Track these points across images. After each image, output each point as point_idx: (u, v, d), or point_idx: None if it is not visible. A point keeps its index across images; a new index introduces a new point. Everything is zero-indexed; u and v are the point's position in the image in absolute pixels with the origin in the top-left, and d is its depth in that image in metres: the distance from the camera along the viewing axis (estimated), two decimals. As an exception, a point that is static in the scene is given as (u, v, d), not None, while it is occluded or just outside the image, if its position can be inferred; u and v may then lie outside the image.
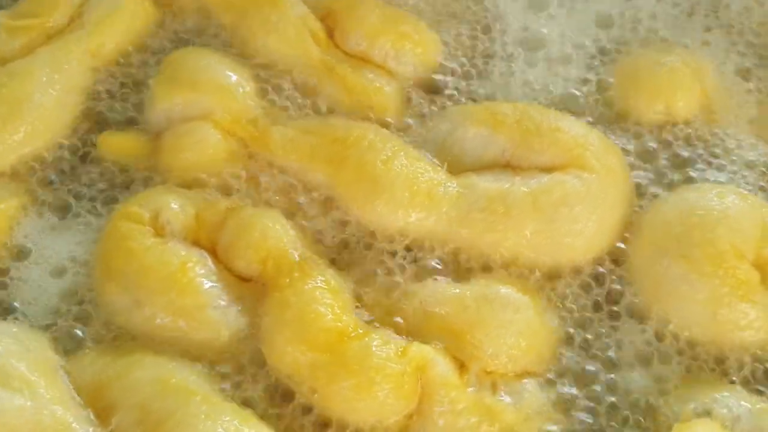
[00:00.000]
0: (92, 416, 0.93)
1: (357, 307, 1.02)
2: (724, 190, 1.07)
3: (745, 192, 1.08)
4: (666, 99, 1.17)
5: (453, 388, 0.94)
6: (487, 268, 1.05)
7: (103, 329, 1.02)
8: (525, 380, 0.98)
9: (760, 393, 0.99)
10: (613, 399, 0.99)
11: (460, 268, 1.05)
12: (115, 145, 1.15)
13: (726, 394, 0.96)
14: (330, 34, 1.22)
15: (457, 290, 1.01)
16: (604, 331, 1.03)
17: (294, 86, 1.19)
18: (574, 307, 1.05)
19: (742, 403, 0.95)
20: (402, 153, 1.07)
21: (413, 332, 1.00)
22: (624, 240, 1.07)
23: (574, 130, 1.09)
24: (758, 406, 0.95)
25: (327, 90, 1.18)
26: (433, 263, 1.06)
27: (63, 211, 1.12)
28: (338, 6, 1.23)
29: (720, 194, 1.05)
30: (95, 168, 1.14)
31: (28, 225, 1.10)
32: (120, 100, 1.19)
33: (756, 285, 1.00)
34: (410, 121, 1.17)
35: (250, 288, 1.02)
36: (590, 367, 1.01)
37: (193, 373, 0.96)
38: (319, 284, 1.00)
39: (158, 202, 1.05)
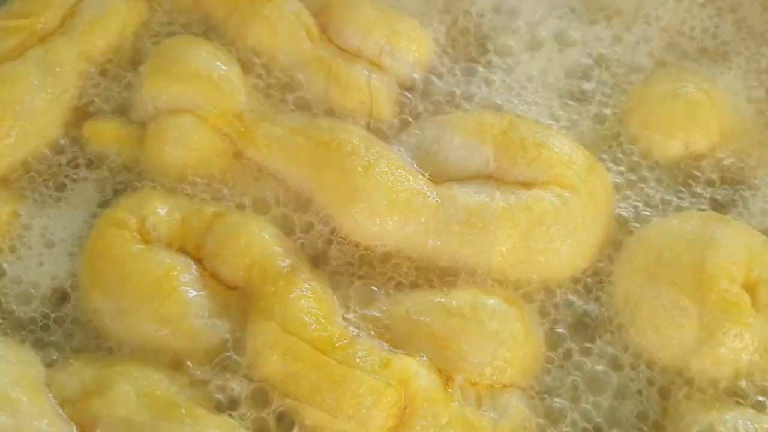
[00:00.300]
0: (76, 431, 0.93)
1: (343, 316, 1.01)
2: (707, 215, 1.06)
3: (729, 218, 1.06)
4: (684, 132, 1.14)
5: (436, 402, 0.93)
6: (470, 279, 1.03)
7: (89, 337, 1.02)
8: (509, 394, 0.97)
9: (763, 411, 0.97)
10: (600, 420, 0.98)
11: (441, 278, 1.04)
12: (102, 132, 1.14)
13: (730, 415, 0.95)
14: (323, 30, 1.20)
15: (443, 300, 1.00)
16: (593, 350, 1.02)
17: (285, 81, 1.18)
18: (560, 322, 1.03)
19: (748, 423, 0.94)
20: (384, 160, 1.05)
21: (399, 342, 0.98)
22: (598, 265, 1.06)
23: (560, 147, 1.07)
24: (766, 426, 0.94)
25: (319, 85, 1.17)
26: (413, 272, 1.04)
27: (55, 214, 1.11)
28: (332, 2, 1.21)
29: (703, 219, 1.03)
30: (88, 170, 1.14)
31: (19, 229, 1.10)
32: (112, 100, 1.18)
33: (747, 307, 0.98)
34: (399, 122, 1.15)
35: (235, 296, 1.02)
36: (577, 386, 1.00)
37: (177, 385, 0.96)
38: (304, 293, 0.99)
39: (145, 207, 1.05)
